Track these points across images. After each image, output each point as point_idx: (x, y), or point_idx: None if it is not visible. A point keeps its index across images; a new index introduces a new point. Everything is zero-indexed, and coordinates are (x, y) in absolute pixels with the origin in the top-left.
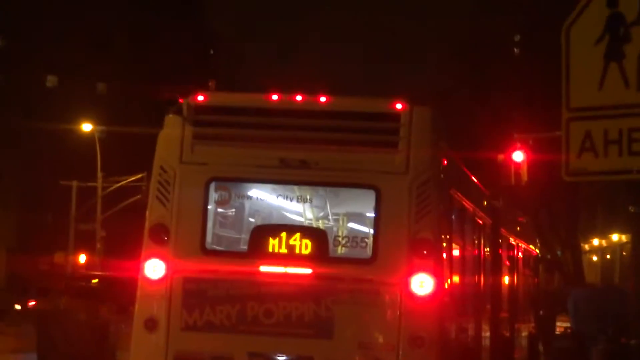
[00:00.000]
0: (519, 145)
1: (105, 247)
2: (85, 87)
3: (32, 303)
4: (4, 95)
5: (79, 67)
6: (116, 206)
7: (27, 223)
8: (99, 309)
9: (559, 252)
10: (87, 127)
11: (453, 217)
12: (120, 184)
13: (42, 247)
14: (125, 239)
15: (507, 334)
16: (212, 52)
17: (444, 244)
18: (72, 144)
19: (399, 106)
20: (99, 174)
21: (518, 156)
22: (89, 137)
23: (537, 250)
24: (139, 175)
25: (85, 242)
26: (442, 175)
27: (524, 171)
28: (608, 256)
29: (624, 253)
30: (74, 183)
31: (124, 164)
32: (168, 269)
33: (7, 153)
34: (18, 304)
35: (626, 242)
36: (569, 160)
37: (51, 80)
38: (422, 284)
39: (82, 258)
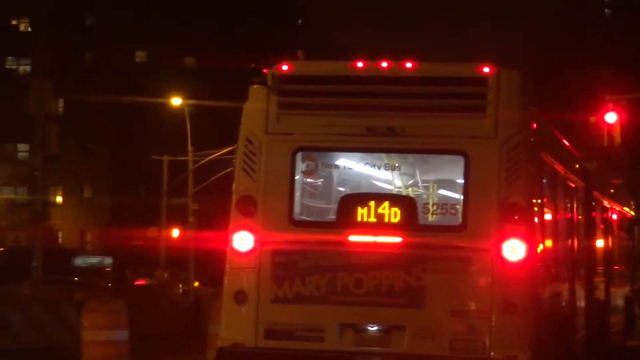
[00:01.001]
0: (611, 106)
1: (197, 221)
2: (173, 61)
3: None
4: (94, 71)
5: (167, 41)
6: (207, 180)
7: (120, 198)
8: (190, 283)
9: None
10: (176, 101)
11: (544, 181)
12: (210, 157)
13: (135, 222)
14: (217, 212)
15: (603, 299)
16: (299, 22)
17: (536, 209)
18: (163, 119)
19: (486, 70)
20: (190, 148)
21: (611, 117)
22: (179, 111)
23: (632, 213)
24: (229, 148)
25: (177, 216)
26: (532, 139)
27: (617, 132)
28: None
29: None
30: (165, 157)
31: (215, 137)
32: (256, 241)
33: (99, 129)
34: (113, 279)
35: None
36: None
37: (140, 56)
38: (513, 249)
39: (175, 232)
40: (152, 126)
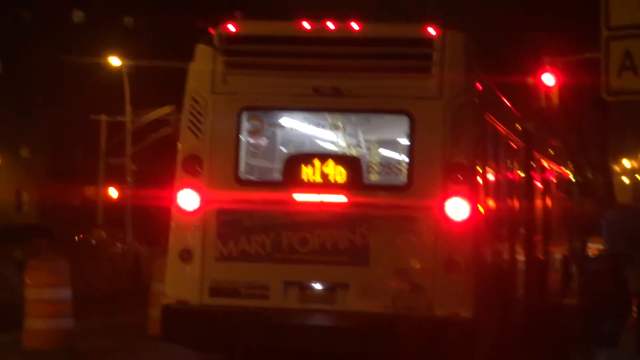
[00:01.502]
0: (549, 68)
1: (136, 181)
2: (112, 21)
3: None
4: (30, 32)
5: (105, 1)
6: (146, 140)
7: (58, 159)
8: (130, 242)
9: (589, 175)
10: (115, 61)
11: (487, 141)
12: (149, 117)
13: (73, 182)
14: (156, 172)
15: (542, 257)
16: None
17: (479, 169)
18: (101, 80)
19: (431, 31)
20: (128, 108)
21: (548, 79)
22: (118, 72)
23: (570, 173)
24: (168, 108)
25: (116, 176)
26: (476, 100)
27: (554, 94)
28: (639, 177)
29: None
30: (103, 118)
31: (154, 98)
32: (202, 199)
33: (35, 89)
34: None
35: None
36: (609, 79)
37: (77, 16)
38: (457, 208)
39: (114, 192)
40: (91, 86)
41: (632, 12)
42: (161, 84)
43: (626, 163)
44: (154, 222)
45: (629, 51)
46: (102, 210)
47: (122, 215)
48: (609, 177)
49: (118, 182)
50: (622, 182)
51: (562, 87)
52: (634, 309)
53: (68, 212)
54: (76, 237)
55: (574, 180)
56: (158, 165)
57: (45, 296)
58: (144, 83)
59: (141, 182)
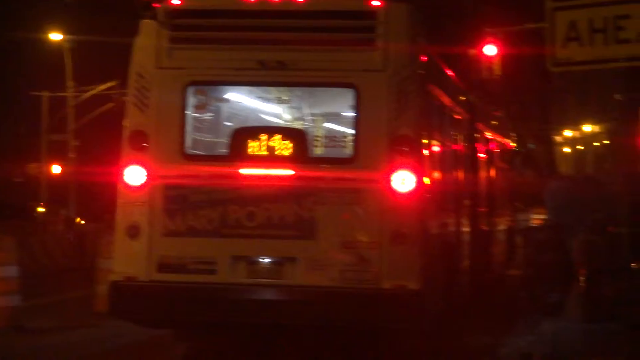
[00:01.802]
0: (490, 38)
1: (79, 157)
2: None
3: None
4: None
5: None
6: (89, 116)
7: None
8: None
9: (531, 145)
10: (55, 36)
11: (432, 113)
12: (90, 92)
13: (15, 159)
14: (99, 148)
15: (486, 228)
16: None
17: (424, 141)
18: (42, 55)
19: (375, 3)
20: (69, 84)
21: (490, 50)
22: (59, 46)
23: (513, 144)
24: (111, 84)
25: (59, 153)
26: (421, 72)
27: (496, 64)
28: (580, 147)
29: (596, 144)
30: (45, 93)
31: (96, 73)
32: (148, 175)
33: None
34: None
35: (599, 133)
36: (554, 50)
37: None
38: (403, 180)
39: (56, 169)
40: (32, 62)
41: None
42: (104, 58)
43: (568, 133)
44: (99, 198)
45: (574, 22)
46: (45, 187)
47: (66, 192)
48: (550, 146)
49: (61, 159)
50: (564, 152)
51: (503, 57)
52: (580, 278)
53: (10, 189)
54: (19, 214)
55: (516, 151)
56: (101, 140)
57: None
58: (87, 58)
59: (85, 158)
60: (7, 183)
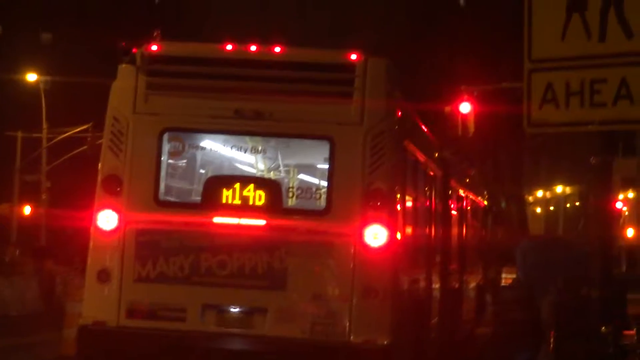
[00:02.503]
0: (465, 96)
1: (50, 199)
2: (29, 36)
3: None
4: None
5: (23, 17)
6: (62, 157)
7: None
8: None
9: (503, 204)
10: (31, 77)
11: (406, 168)
12: (65, 134)
13: None
14: (71, 190)
15: (457, 286)
16: (156, 1)
17: (398, 196)
18: (17, 95)
19: (353, 57)
20: (44, 125)
21: (465, 107)
22: (34, 87)
23: (485, 202)
24: (85, 126)
25: (30, 194)
26: (396, 127)
27: (470, 122)
28: (552, 208)
29: (567, 205)
30: (19, 133)
31: (70, 115)
32: (121, 220)
33: None
34: None
35: (570, 194)
36: (530, 111)
37: None
38: (375, 235)
39: (27, 209)
40: (8, 102)
41: (555, 45)
42: (79, 101)
43: (539, 194)
44: (69, 241)
45: (551, 84)
46: (16, 228)
47: (36, 233)
48: (522, 206)
49: (33, 199)
50: (535, 212)
51: (478, 115)
52: (550, 340)
53: None
54: None
55: (488, 209)
56: (74, 182)
57: None
58: (62, 100)
59: (56, 199)
60: None
